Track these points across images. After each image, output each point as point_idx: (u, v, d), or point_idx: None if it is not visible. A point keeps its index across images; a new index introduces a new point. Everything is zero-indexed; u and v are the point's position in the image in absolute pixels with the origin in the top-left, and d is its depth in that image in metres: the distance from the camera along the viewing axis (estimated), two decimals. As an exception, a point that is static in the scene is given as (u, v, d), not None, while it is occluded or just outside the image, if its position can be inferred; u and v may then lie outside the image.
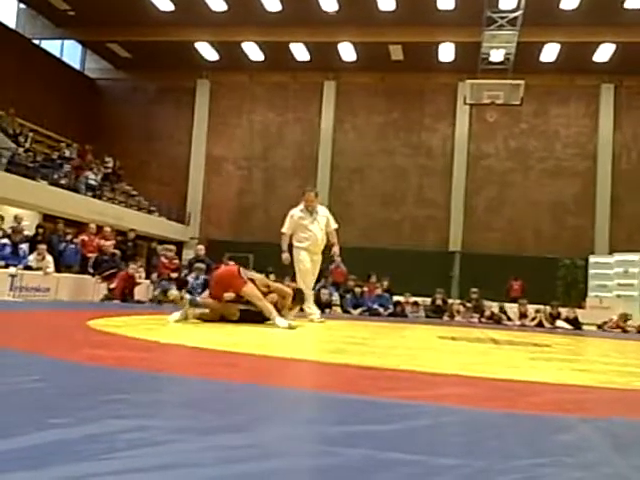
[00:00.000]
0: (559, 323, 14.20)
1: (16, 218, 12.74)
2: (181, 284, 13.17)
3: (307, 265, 8.34)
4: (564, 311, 14.76)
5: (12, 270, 10.44)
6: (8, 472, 1.21)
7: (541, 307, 15.09)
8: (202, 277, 13.77)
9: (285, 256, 8.33)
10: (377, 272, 17.10)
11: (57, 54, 25.21)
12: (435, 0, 19.09)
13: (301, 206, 8.50)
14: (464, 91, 19.17)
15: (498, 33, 17.72)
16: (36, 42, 23.84)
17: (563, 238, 23.04)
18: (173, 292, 6.91)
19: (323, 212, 8.65)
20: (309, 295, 8.38)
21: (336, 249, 8.61)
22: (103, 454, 1.36)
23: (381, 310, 15.22)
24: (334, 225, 8.68)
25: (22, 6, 22.89)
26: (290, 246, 8.48)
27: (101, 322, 5.40)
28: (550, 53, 21.84)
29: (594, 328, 14.76)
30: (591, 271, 20.18)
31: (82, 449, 1.39)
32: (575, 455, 1.64)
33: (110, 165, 22.93)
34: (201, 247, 14.96)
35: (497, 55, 18.70)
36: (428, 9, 19.52)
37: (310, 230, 8.36)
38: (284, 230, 8.46)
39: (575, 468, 1.52)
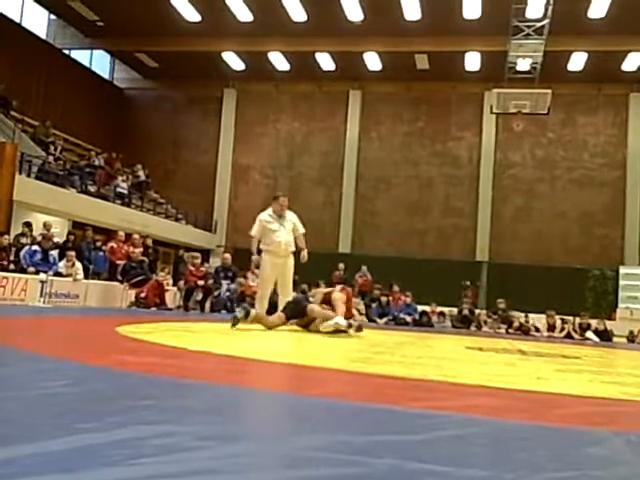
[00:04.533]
0: (588, 335, 13.98)
1: (45, 225, 12.92)
2: (207, 292, 13.28)
3: (267, 271, 8.35)
4: (594, 322, 14.54)
5: (42, 276, 10.58)
6: (38, 475, 1.22)
7: (569, 318, 14.88)
8: (231, 286, 13.88)
9: (255, 258, 8.41)
10: (401, 281, 17.03)
11: (86, 64, 25.62)
12: (461, 9, 19.03)
13: (269, 210, 8.53)
14: (490, 100, 19.07)
15: (525, 42, 17.59)
16: (66, 52, 24.28)
17: (591, 248, 22.73)
18: (252, 312, 6.99)
19: (290, 217, 8.62)
20: (263, 305, 8.28)
21: (304, 253, 8.55)
22: (130, 459, 1.37)
23: (408, 318, 15.14)
24: (302, 230, 8.65)
25: (52, 17, 23.33)
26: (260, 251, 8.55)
27: (129, 328, 5.45)
28: (577, 62, 21.63)
29: (624, 340, 14.51)
30: (621, 282, 19.90)
31: (110, 454, 1.40)
32: (605, 469, 1.61)
33: (140, 173, 23.18)
34: (227, 256, 15.05)
35: (524, 64, 18.57)
36: (454, 18, 19.46)
37: (276, 234, 8.37)
38: (253, 233, 8.47)
39: (605, 482, 1.50)
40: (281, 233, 8.37)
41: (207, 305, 13.23)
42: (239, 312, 6.72)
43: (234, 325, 6.50)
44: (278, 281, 8.53)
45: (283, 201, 8.54)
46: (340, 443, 1.67)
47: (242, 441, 1.62)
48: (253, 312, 6.93)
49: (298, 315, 6.93)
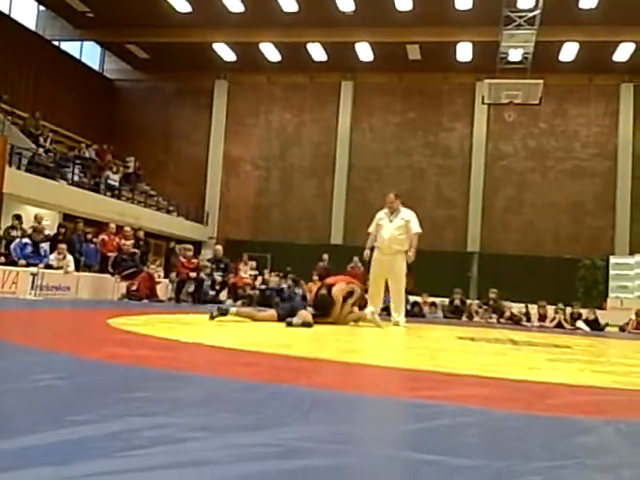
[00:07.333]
0: (579, 324, 14.05)
1: (36, 218, 12.84)
2: (199, 284, 13.25)
3: (373, 267, 8.54)
4: (584, 312, 14.61)
5: (33, 269, 10.54)
6: (31, 468, 1.22)
7: (560, 307, 14.94)
8: (217, 276, 13.78)
9: (366, 253, 8.74)
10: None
11: (76, 55, 25.43)
12: (453, -1, 19.01)
13: (385, 209, 8.72)
14: (482, 91, 19.06)
15: (516, 32, 17.56)
16: (56, 43, 24.08)
17: (582, 239, 22.83)
18: (232, 309, 6.89)
19: (405, 215, 8.64)
20: (376, 305, 8.50)
21: (410, 253, 8.46)
22: (123, 451, 1.37)
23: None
24: (415, 229, 8.53)
25: (42, 8, 23.12)
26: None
27: (121, 321, 5.44)
28: (569, 52, 21.64)
29: (616, 329, 14.59)
30: (612, 272, 19.98)
31: (102, 446, 1.40)
32: (596, 457, 1.62)
33: (131, 165, 23.08)
34: (219, 247, 15.01)
35: (515, 54, 18.56)
36: (446, 8, 19.42)
37: (382, 230, 8.50)
38: (370, 230, 8.76)
39: (596, 470, 1.51)
40: (386, 229, 8.45)
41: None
42: (215, 312, 6.54)
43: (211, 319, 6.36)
44: (388, 281, 8.61)
45: (387, 197, 8.74)
46: (333, 433, 1.67)
47: (235, 432, 1.62)
48: (233, 310, 6.83)
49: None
